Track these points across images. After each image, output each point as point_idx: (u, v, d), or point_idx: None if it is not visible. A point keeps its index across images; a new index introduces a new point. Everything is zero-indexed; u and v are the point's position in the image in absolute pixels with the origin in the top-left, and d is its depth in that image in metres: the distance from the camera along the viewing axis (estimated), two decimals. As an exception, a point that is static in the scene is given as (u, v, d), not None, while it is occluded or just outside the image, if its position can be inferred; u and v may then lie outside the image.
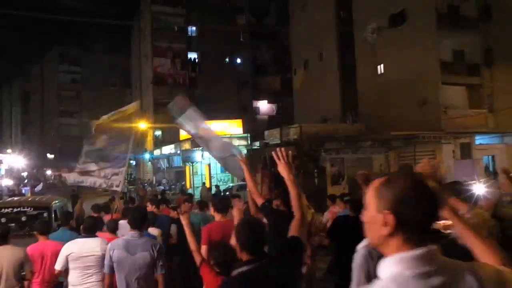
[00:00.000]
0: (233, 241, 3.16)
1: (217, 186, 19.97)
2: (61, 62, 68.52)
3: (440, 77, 20.26)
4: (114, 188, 8.00)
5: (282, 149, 2.56)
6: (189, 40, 41.52)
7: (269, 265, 2.21)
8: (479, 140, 21.17)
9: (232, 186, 22.05)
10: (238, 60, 42.70)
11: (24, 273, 4.46)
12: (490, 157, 21.54)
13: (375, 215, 1.24)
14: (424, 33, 20.40)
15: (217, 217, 4.54)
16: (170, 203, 9.53)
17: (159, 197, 10.47)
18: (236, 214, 4.04)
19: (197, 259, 3.38)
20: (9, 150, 52.85)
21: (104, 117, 8.93)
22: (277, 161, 2.60)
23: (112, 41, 66.34)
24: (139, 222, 3.93)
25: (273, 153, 2.48)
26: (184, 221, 3.66)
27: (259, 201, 3.69)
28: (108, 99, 60.51)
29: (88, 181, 7.88)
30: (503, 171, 3.16)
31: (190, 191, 22.06)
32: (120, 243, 3.87)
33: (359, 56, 25.03)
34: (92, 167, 7.94)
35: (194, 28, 41.61)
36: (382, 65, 23.37)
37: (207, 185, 22.81)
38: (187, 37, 41.66)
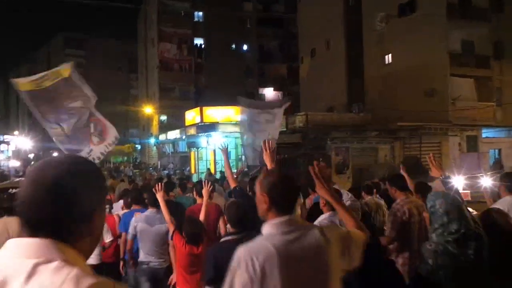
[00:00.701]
0: (201, 216, 4.31)
1: (221, 172, 20.03)
2: (67, 46, 68.49)
3: (449, 68, 20.09)
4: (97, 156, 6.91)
5: (270, 141, 2.87)
6: (195, 25, 41.25)
7: (248, 236, 2.26)
8: (486, 133, 21.07)
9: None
10: (245, 47, 42.45)
11: None
12: (496, 150, 21.45)
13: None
14: (433, 23, 20.17)
15: (199, 200, 5.17)
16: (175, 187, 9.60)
17: (165, 180, 10.53)
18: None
19: (170, 229, 4.28)
20: (16, 132, 53.20)
21: (25, 79, 6.96)
22: (263, 150, 2.93)
23: (118, 25, 66.14)
24: (156, 201, 4.65)
25: (262, 143, 2.80)
26: (159, 197, 4.50)
27: (232, 185, 4.30)
28: (113, 84, 60.58)
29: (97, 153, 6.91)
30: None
31: (194, 176, 22.17)
32: (143, 218, 4.84)
33: (367, 45, 24.82)
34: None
35: (200, 13, 41.31)
36: (390, 55, 23.18)
37: (212, 170, 22.88)
38: (194, 22, 41.38)
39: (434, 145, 19.21)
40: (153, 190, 4.54)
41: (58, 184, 0.96)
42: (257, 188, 1.88)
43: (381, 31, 23.25)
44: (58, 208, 0.95)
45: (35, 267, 0.89)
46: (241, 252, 1.70)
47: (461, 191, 8.30)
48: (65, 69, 6.70)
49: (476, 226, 2.41)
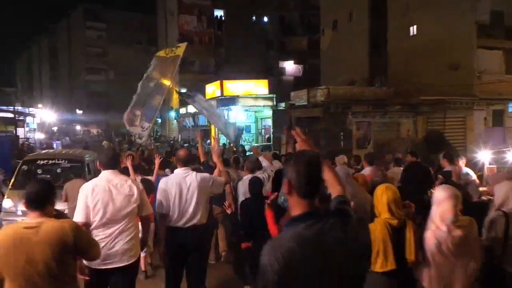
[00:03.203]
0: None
1: (242, 146, 20.13)
2: (87, 18, 68.65)
3: (476, 40, 19.39)
4: (138, 141, 9.92)
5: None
6: (215, -4, 40.73)
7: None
8: (513, 107, 20.47)
9: (257, 145, 22.17)
10: (265, 19, 41.78)
11: None
12: (523, 125, 20.87)
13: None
14: (462, -7, 19.39)
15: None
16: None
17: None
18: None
19: None
20: (40, 105, 54.25)
21: (161, 52, 10.19)
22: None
23: (138, -3, 65.77)
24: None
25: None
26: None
27: (202, 159, 5.46)
28: (133, 57, 60.78)
29: (135, 131, 9.07)
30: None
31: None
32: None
33: (391, 16, 24.09)
34: (137, 111, 8.93)
35: (220, -17, 40.69)
36: (415, 26, 22.47)
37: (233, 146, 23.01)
38: (214, -7, 40.86)
39: (458, 119, 18.80)
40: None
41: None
42: (284, 172, 1.90)
43: (407, 1, 22.48)
44: None
45: None
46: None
47: (487, 165, 8.19)
48: (182, 47, 9.28)
49: None
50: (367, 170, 6.23)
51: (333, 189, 2.13)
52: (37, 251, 2.54)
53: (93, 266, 3.55)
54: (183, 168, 4.40)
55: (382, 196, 3.13)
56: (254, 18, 40.87)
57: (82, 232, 2.87)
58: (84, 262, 3.43)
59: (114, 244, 3.63)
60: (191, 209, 4.23)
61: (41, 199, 2.70)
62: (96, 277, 3.58)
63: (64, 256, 2.63)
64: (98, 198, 3.63)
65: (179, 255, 4.31)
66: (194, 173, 4.42)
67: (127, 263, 3.67)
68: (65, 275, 2.67)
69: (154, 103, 8.99)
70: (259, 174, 5.95)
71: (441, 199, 2.96)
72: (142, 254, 5.58)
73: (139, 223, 3.99)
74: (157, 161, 6.74)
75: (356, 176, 4.94)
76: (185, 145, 27.10)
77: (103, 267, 3.58)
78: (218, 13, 41.41)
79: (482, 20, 19.54)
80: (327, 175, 2.09)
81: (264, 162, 6.86)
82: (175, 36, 41.15)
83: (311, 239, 1.71)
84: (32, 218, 2.66)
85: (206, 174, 4.60)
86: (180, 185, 4.27)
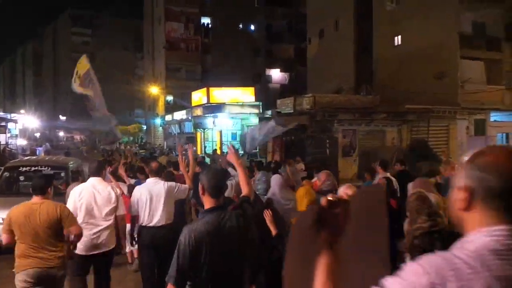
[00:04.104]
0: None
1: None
2: (73, 24, 67.99)
3: (459, 50, 19.78)
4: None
5: (231, 145, 3.48)
6: (202, 4, 40.75)
7: None
8: (494, 117, 20.88)
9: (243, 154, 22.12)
10: (252, 27, 41.99)
11: None
12: (504, 134, 21.29)
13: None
14: (445, 4, 19.78)
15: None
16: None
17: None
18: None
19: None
20: (22, 111, 53.41)
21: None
22: (229, 151, 3.41)
23: (125, 3, 65.44)
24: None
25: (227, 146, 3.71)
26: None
27: (181, 168, 5.78)
28: (120, 62, 60.30)
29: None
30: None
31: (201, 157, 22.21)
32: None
33: (376, 26, 24.45)
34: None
35: (208, -8, 40.78)
36: (400, 36, 22.83)
37: (218, 151, 22.93)
38: (201, 0, 40.87)
39: (442, 128, 19.09)
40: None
41: None
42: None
43: (392, 12, 22.84)
44: None
45: None
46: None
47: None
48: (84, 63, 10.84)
49: None
50: (319, 176, 6.36)
51: (243, 190, 3.05)
52: (40, 219, 3.85)
53: (83, 253, 4.62)
54: (154, 178, 5.30)
55: (304, 198, 4.12)
56: (241, 26, 41.05)
57: (67, 211, 4.08)
58: (77, 251, 4.49)
59: (99, 236, 4.70)
60: (159, 212, 5.03)
61: (42, 187, 4.04)
62: (83, 260, 4.70)
63: (55, 225, 3.91)
64: (83, 199, 4.69)
65: (152, 250, 5.05)
66: (163, 182, 5.24)
67: (107, 249, 4.81)
68: (57, 240, 3.95)
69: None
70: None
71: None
72: (129, 249, 6.70)
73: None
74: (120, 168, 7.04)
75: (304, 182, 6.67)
76: (170, 152, 26.88)
77: (90, 253, 4.68)
78: (205, 20, 41.47)
79: (465, 31, 19.96)
80: (241, 179, 3.14)
81: (232, 172, 7.43)
82: (162, 43, 41.04)
83: (214, 225, 2.57)
84: (37, 200, 3.98)
85: (172, 183, 5.38)
86: (150, 192, 5.08)
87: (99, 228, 4.69)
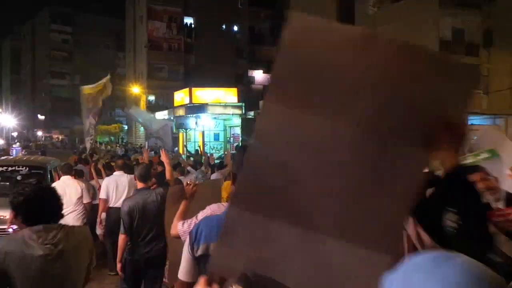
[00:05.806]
0: None
1: (211, 154, 20.01)
2: (53, 21, 66.79)
3: (439, 55, 20.16)
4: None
5: (163, 150, 5.39)
6: (185, 3, 40.55)
7: None
8: (471, 121, 21.33)
9: (224, 154, 22.11)
10: (235, 28, 41.98)
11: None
12: (481, 137, 21.77)
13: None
14: (425, 9, 20.16)
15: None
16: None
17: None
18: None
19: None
20: (-1, 109, 52.17)
21: (87, 87, 12.21)
22: (161, 154, 5.35)
23: (106, 1, 64.58)
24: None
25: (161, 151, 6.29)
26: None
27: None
28: (100, 61, 59.53)
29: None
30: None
31: (184, 157, 22.09)
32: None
33: (358, 29, 24.73)
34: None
35: (191, -9, 40.60)
36: (381, 40, 23.15)
37: (201, 152, 22.86)
38: (184, 0, 40.68)
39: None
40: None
41: None
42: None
43: (373, 16, 23.15)
44: None
45: None
46: None
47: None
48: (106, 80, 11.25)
49: None
50: None
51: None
52: None
53: None
54: (119, 172, 6.82)
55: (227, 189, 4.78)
56: (224, 26, 41.01)
57: None
58: None
59: (67, 218, 5.28)
60: (123, 197, 6.20)
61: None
62: None
63: None
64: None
65: (115, 223, 5.95)
66: (126, 175, 6.67)
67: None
68: None
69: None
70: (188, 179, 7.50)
71: None
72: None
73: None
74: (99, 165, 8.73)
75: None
76: (151, 153, 26.64)
77: None
78: (188, 20, 41.28)
79: (444, 37, 20.38)
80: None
81: (193, 172, 9.18)
82: (144, 42, 40.68)
83: (143, 198, 4.29)
84: None
85: (132, 176, 6.39)
86: (116, 182, 6.62)
87: (69, 211, 6.09)
